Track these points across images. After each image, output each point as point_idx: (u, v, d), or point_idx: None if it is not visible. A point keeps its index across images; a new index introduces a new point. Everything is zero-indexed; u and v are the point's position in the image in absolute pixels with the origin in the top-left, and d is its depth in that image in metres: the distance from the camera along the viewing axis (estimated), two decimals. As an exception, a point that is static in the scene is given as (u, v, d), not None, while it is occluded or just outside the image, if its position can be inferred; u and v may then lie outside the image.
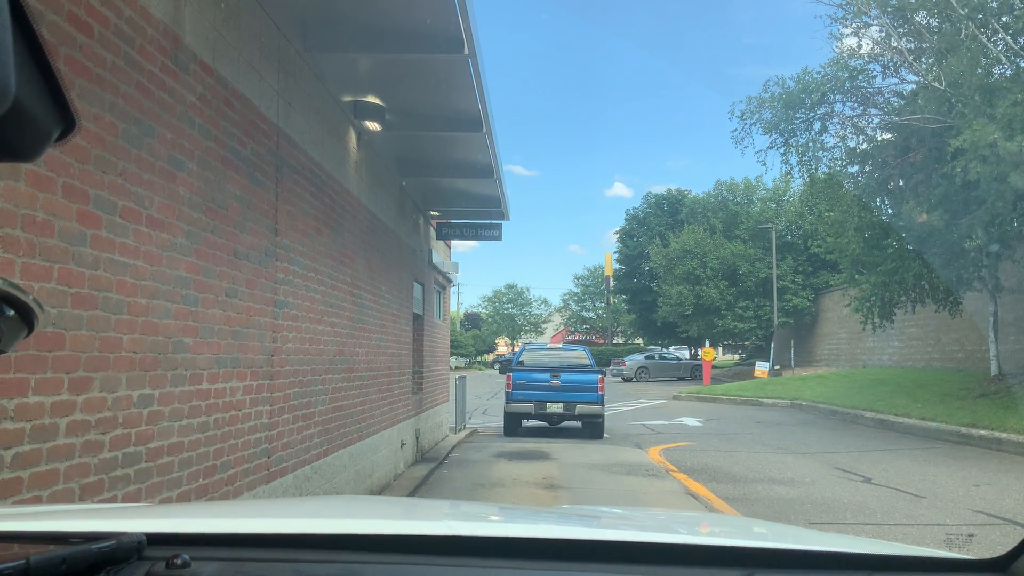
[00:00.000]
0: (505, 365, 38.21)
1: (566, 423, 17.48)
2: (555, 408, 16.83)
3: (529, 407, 16.99)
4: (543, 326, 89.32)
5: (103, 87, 3.77)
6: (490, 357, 79.85)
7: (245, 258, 5.71)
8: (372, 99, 9.01)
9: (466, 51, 7.28)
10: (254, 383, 5.87)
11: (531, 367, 17.69)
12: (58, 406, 3.47)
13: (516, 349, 77.95)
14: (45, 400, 3.38)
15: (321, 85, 7.83)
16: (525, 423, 17.59)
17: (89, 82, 3.65)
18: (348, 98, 8.83)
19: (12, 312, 0.88)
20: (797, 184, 35.93)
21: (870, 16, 16.96)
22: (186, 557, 1.22)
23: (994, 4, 14.93)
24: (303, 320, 7.12)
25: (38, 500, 3.31)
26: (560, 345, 21.76)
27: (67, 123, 0.79)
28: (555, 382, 17.00)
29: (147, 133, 4.22)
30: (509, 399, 17.20)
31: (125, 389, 4.02)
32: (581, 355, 18.62)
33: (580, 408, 16.66)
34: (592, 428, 17.01)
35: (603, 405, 16.97)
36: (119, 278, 3.94)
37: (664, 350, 50.21)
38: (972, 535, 7.42)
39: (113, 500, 3.87)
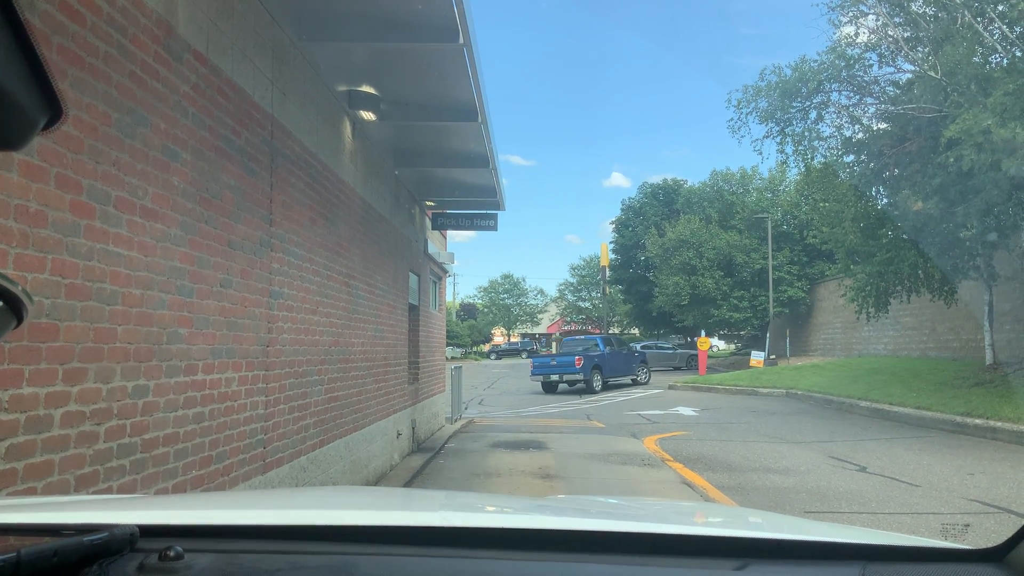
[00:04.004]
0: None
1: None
2: (554, 378, 29.43)
3: (540, 378, 29.92)
4: (539, 316, 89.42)
5: (96, 76, 3.75)
6: (486, 348, 79.81)
7: (240, 248, 5.69)
8: (367, 88, 8.98)
9: (461, 40, 7.25)
10: (249, 374, 5.86)
11: (544, 355, 32.31)
12: (52, 397, 3.46)
13: (512, 340, 79.49)
14: (39, 391, 3.37)
15: (315, 74, 7.80)
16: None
17: (82, 71, 3.63)
18: (343, 87, 8.80)
19: (1, 303, 0.88)
20: (793, 174, 35.90)
21: (867, 4, 16.92)
22: (179, 549, 1.22)
23: (990, -8, 14.91)
24: (298, 311, 7.10)
25: (33, 491, 3.31)
26: (583, 337, 35.35)
27: (54, 111, 0.79)
28: (553, 363, 29.78)
29: (140, 123, 4.20)
30: (532, 374, 30.56)
31: (120, 380, 4.01)
32: (593, 343, 31.28)
33: (566, 377, 28.95)
34: (579, 386, 29.12)
35: (583, 373, 28.45)
36: (113, 268, 3.93)
37: (659, 341, 50.30)
38: (968, 525, 7.43)
39: (108, 491, 3.87)
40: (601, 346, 30.43)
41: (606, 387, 29.69)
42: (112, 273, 3.92)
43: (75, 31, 3.56)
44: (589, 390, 28.41)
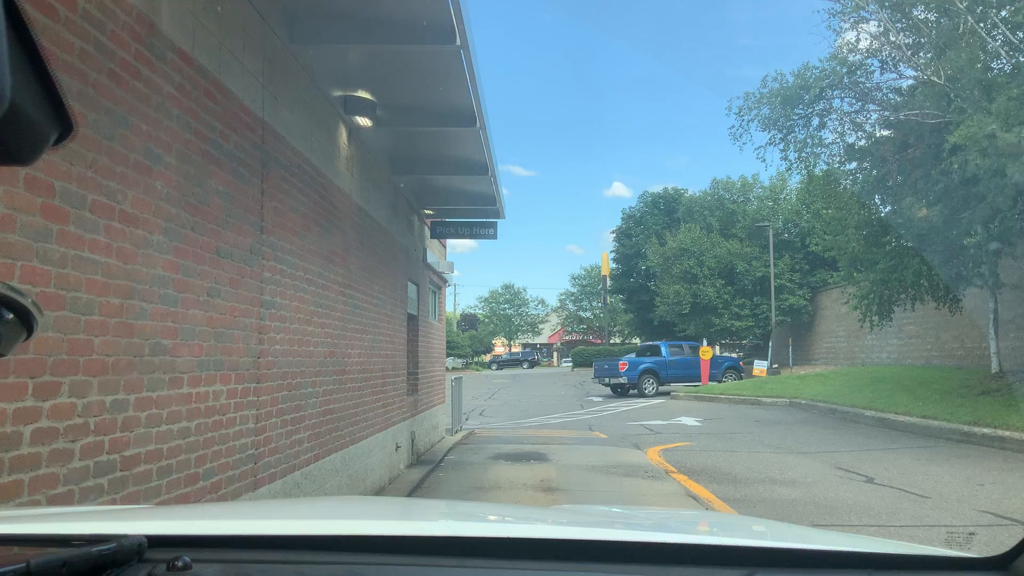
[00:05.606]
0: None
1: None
2: (607, 380, 32.52)
3: (599, 379, 33.30)
4: (540, 326, 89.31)
5: (70, 74, 3.56)
6: (487, 358, 79.61)
7: (228, 256, 5.50)
8: (363, 94, 8.80)
9: (458, 42, 7.07)
10: (239, 386, 5.66)
11: (604, 360, 34.57)
12: (21, 413, 3.25)
13: (513, 350, 79.96)
14: (7, 407, 3.17)
15: (309, 78, 7.62)
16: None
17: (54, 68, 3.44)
18: (338, 92, 8.63)
19: (11, 316, 0.89)
20: (794, 181, 35.83)
21: (868, 11, 16.79)
22: (187, 559, 1.24)
23: (993, -2, 14.77)
24: (292, 321, 6.91)
25: None
26: (652, 343, 37.14)
27: (64, 127, 0.80)
28: (606, 367, 33.04)
29: (120, 124, 4.01)
30: (594, 376, 34.31)
31: (97, 394, 3.80)
32: (657, 346, 34.36)
33: (613, 380, 32.23)
34: (623, 388, 32.12)
35: (626, 377, 31.63)
36: (89, 276, 3.73)
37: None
38: (973, 534, 7.27)
39: (85, 511, 3.67)
40: (664, 351, 33.02)
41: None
42: (88, 281, 3.72)
43: (46, 25, 3.37)
44: (640, 394, 31.33)
